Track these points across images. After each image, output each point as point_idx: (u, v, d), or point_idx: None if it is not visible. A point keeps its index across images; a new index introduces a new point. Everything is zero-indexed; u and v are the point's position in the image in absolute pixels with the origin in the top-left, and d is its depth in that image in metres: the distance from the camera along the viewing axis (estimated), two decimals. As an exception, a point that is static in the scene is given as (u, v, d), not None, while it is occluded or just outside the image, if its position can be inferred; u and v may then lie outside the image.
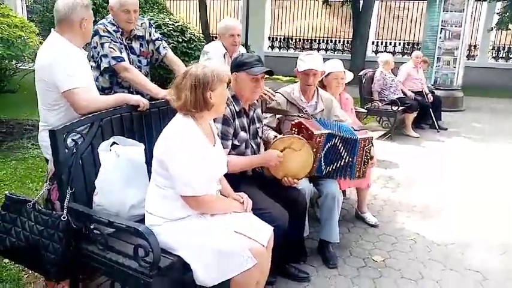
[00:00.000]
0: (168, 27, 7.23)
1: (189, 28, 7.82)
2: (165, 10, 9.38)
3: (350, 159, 2.70)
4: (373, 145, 2.80)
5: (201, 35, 8.63)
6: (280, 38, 15.07)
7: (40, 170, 4.22)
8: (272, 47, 15.05)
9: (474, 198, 4.03)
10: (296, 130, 2.64)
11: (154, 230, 1.83)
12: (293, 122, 2.70)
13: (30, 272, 2.55)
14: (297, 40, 14.97)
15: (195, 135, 1.92)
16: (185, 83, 1.89)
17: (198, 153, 1.88)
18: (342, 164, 2.70)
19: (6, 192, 2.08)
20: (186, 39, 7.35)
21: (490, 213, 3.70)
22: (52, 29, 2.27)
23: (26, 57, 5.14)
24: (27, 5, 15.95)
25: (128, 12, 2.80)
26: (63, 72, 2.11)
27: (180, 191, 1.86)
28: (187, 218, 1.94)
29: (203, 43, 7.95)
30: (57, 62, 2.13)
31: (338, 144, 2.65)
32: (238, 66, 2.37)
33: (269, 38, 15.06)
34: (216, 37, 3.60)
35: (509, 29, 11.53)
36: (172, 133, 1.91)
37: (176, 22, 7.57)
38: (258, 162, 2.50)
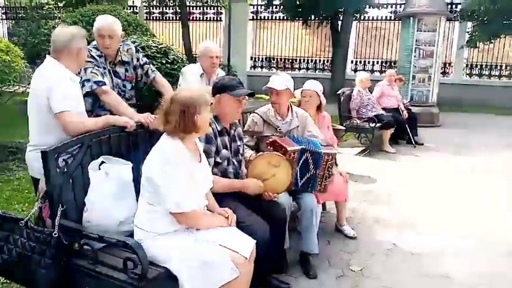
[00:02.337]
0: (152, 49, 7.36)
1: (172, 50, 8.00)
2: (148, 32, 9.56)
3: (314, 172, 2.88)
4: (336, 163, 2.98)
5: (184, 56, 8.82)
6: (262, 58, 15.40)
7: (26, 191, 4.27)
8: (254, 67, 15.35)
9: (448, 210, 4.23)
10: (271, 148, 2.81)
11: (142, 244, 1.95)
12: (268, 141, 2.88)
13: (18, 290, 2.61)
14: (279, 60, 15.32)
15: (182, 155, 2.06)
16: (173, 108, 2.02)
17: (185, 171, 2.02)
18: (308, 176, 2.87)
19: (-1, 211, 2.17)
20: (169, 61, 7.50)
21: (462, 224, 3.89)
22: (47, 55, 2.41)
23: (11, 81, 5.22)
24: (8, 27, 16.00)
25: (103, 37, 2.94)
26: (60, 95, 2.26)
27: (170, 208, 1.99)
28: (175, 232, 2.07)
29: (186, 64, 8.15)
30: (56, 85, 2.28)
31: (308, 158, 2.83)
32: (221, 88, 2.53)
33: (251, 58, 15.37)
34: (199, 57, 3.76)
35: (478, 47, 12.08)
36: (160, 153, 2.05)
37: (160, 44, 7.74)
38: (238, 187, 2.59)
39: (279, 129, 3.08)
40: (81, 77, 2.88)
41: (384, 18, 14.19)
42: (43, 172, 2.12)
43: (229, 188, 2.54)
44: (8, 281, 2.58)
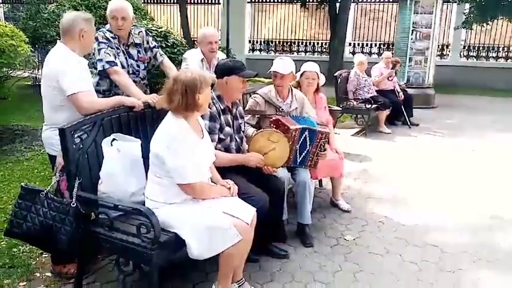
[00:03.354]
0: (152, 32, 7.48)
1: (172, 33, 8.10)
2: (147, 16, 9.64)
3: (309, 148, 3.07)
4: (328, 142, 3.17)
5: (183, 40, 8.92)
6: (261, 41, 15.45)
7: (36, 170, 4.47)
8: (253, 50, 15.41)
9: (439, 188, 4.43)
10: (274, 126, 3.00)
11: (153, 211, 2.15)
12: (271, 119, 3.07)
13: (38, 258, 2.83)
14: (277, 43, 15.37)
15: (186, 132, 2.25)
16: (176, 88, 2.21)
17: (189, 147, 2.22)
18: (305, 153, 3.06)
19: (22, 183, 2.36)
20: (169, 45, 7.62)
21: (452, 201, 4.09)
22: (58, 40, 2.57)
23: (17, 65, 5.36)
24: (4, 11, 15.95)
25: (116, 19, 3.11)
26: (70, 78, 2.42)
27: (177, 180, 2.19)
28: (182, 202, 2.27)
29: (186, 48, 8.25)
30: (65, 69, 2.43)
31: (307, 136, 3.02)
32: (229, 70, 2.70)
33: (249, 41, 15.41)
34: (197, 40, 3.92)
35: (473, 29, 12.15)
36: (166, 131, 2.24)
37: (159, 28, 7.85)
38: (241, 161, 2.80)
39: (281, 109, 3.26)
40: (95, 57, 3.05)
41: (381, 0, 14.22)
42: (60, 148, 2.30)
43: (232, 161, 2.73)
44: (33, 247, 2.80)
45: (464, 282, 2.71)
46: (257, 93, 3.34)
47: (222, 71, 2.73)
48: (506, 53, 13.49)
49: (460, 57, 13.68)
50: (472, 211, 3.83)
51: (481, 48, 13.63)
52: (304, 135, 3.00)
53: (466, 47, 13.75)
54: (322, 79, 3.87)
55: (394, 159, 5.48)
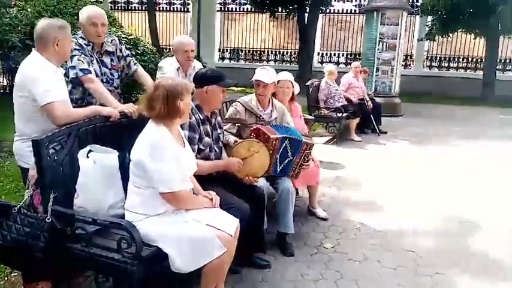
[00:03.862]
0: (121, 40, 7.36)
1: (142, 41, 7.99)
2: (116, 23, 9.46)
3: (291, 158, 3.09)
4: (311, 153, 3.20)
5: (153, 47, 8.81)
6: (230, 50, 15.49)
7: (0, 184, 4.25)
8: (222, 59, 15.44)
9: (410, 194, 4.55)
10: (254, 135, 2.99)
11: (134, 225, 2.09)
12: (251, 128, 3.06)
13: (6, 278, 2.68)
14: (247, 51, 15.46)
15: (168, 140, 2.20)
16: (158, 94, 2.17)
17: (171, 154, 2.17)
18: (286, 162, 3.08)
19: (-8, 198, 2.24)
20: (139, 52, 7.51)
21: (423, 206, 4.21)
22: (33, 48, 2.47)
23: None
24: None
25: (96, 25, 3.02)
26: (44, 87, 2.32)
27: (159, 189, 2.13)
28: (164, 213, 2.21)
29: (156, 55, 8.16)
30: (39, 78, 2.33)
31: (287, 145, 3.03)
32: (209, 79, 2.68)
33: (219, 50, 15.42)
34: (166, 48, 3.87)
35: (436, 40, 12.70)
36: (148, 139, 2.18)
37: (129, 35, 7.72)
38: (221, 167, 2.80)
39: (262, 118, 3.27)
40: (67, 64, 2.95)
41: (348, 11, 14.60)
42: (34, 160, 2.20)
43: (214, 169, 2.71)
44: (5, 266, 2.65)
45: (442, 286, 2.78)
46: (238, 102, 3.33)
47: (202, 80, 2.70)
48: (465, 64, 14.14)
49: (423, 67, 14.22)
50: (441, 216, 3.94)
51: (442, 58, 14.24)
52: (284, 144, 3.00)
53: (429, 58, 14.31)
54: (297, 88, 3.91)
55: (365, 166, 5.59)
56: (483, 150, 6.65)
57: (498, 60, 13.09)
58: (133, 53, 7.38)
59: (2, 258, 2.25)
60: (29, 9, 8.37)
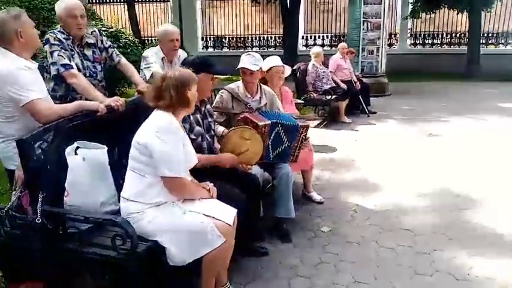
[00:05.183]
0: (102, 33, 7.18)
1: (124, 33, 7.81)
2: (95, 16, 9.23)
3: (289, 144, 3.04)
4: (307, 134, 3.18)
5: (136, 39, 8.62)
6: (213, 38, 15.28)
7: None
8: (206, 47, 15.22)
9: (404, 172, 4.55)
10: (242, 123, 2.93)
11: (131, 219, 2.04)
12: (239, 117, 3.00)
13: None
14: (230, 39, 15.26)
15: (176, 126, 2.19)
16: (167, 84, 2.16)
17: (178, 140, 2.15)
18: (282, 148, 3.03)
19: (-22, 202, 2.16)
20: (121, 45, 7.34)
21: (417, 184, 4.21)
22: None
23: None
24: None
25: (75, 17, 2.91)
26: (19, 87, 2.22)
27: (162, 173, 2.09)
28: (162, 205, 2.16)
29: (139, 47, 7.99)
30: (10, 78, 2.22)
31: (280, 131, 2.98)
32: (199, 67, 2.58)
33: (202, 38, 15.20)
34: (148, 40, 3.76)
35: (421, 18, 12.67)
36: (156, 123, 2.16)
37: (109, 28, 7.54)
38: (214, 161, 2.73)
39: (249, 106, 3.20)
40: (47, 61, 2.84)
41: (331, -8, 14.45)
42: (20, 161, 2.12)
43: (206, 162, 2.64)
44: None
45: (441, 263, 2.79)
46: (224, 89, 3.26)
47: (191, 68, 2.62)
48: (449, 39, 14.15)
49: (408, 45, 14.20)
50: (438, 192, 3.95)
51: (426, 35, 14.22)
52: (276, 130, 2.95)
53: (413, 35, 14.29)
54: (287, 71, 3.84)
55: (357, 147, 5.58)
56: (472, 124, 6.68)
57: (482, 34, 13.12)
58: (115, 46, 7.24)
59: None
60: (2, 7, 8.12)
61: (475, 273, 2.66)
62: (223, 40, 15.24)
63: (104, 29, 7.35)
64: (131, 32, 11.41)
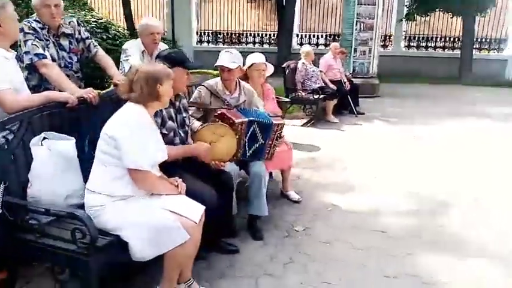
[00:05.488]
0: (91, 24, 7.11)
1: (113, 25, 7.74)
2: (86, 6, 9.15)
3: (263, 141, 3.03)
4: (282, 132, 3.16)
5: (126, 31, 8.55)
6: (209, 33, 15.22)
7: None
8: (201, 42, 15.16)
9: (385, 174, 4.55)
10: (219, 120, 2.90)
11: (94, 212, 2.03)
12: (216, 113, 2.97)
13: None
14: (225, 34, 15.21)
15: (146, 119, 2.19)
16: (138, 77, 2.16)
17: (147, 134, 2.16)
18: (257, 146, 3.02)
19: None
20: (110, 37, 7.28)
21: (398, 184, 4.23)
22: None
23: None
24: None
25: (49, 6, 2.87)
26: None
27: (128, 165, 2.08)
28: (128, 198, 2.15)
29: (129, 39, 7.92)
30: None
31: (256, 129, 2.96)
32: (173, 62, 2.55)
33: (197, 33, 15.13)
34: None
35: (416, 20, 12.69)
36: (126, 115, 2.16)
37: (99, 19, 7.47)
38: (188, 153, 2.71)
39: (227, 102, 3.17)
40: (21, 50, 2.80)
41: (327, -9, 14.43)
42: (-19, 150, 2.08)
43: (180, 155, 2.62)
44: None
45: (411, 266, 2.78)
46: (203, 85, 3.23)
47: (166, 61, 2.59)
48: (443, 43, 14.20)
49: (402, 47, 14.22)
50: (417, 195, 3.96)
51: (420, 38, 14.26)
52: (252, 128, 2.94)
53: (407, 38, 14.31)
54: (270, 69, 3.82)
55: (342, 147, 5.57)
56: (459, 129, 6.69)
57: (475, 39, 13.17)
58: (104, 37, 7.18)
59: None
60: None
61: (441, 277, 2.65)
62: (218, 35, 15.18)
63: (93, 19, 7.29)
64: (122, 23, 11.33)
